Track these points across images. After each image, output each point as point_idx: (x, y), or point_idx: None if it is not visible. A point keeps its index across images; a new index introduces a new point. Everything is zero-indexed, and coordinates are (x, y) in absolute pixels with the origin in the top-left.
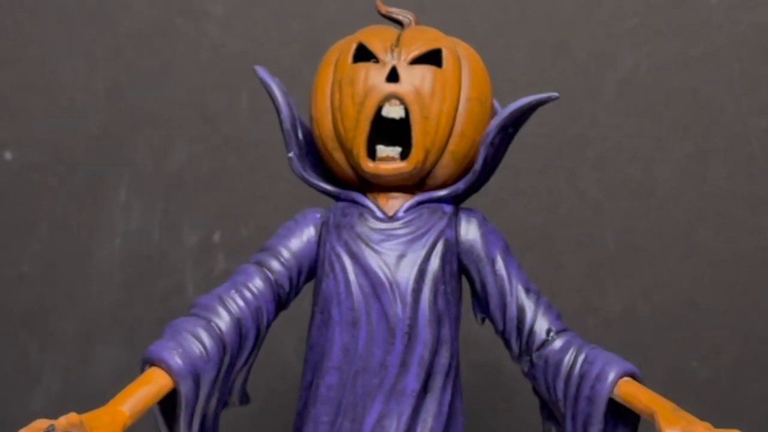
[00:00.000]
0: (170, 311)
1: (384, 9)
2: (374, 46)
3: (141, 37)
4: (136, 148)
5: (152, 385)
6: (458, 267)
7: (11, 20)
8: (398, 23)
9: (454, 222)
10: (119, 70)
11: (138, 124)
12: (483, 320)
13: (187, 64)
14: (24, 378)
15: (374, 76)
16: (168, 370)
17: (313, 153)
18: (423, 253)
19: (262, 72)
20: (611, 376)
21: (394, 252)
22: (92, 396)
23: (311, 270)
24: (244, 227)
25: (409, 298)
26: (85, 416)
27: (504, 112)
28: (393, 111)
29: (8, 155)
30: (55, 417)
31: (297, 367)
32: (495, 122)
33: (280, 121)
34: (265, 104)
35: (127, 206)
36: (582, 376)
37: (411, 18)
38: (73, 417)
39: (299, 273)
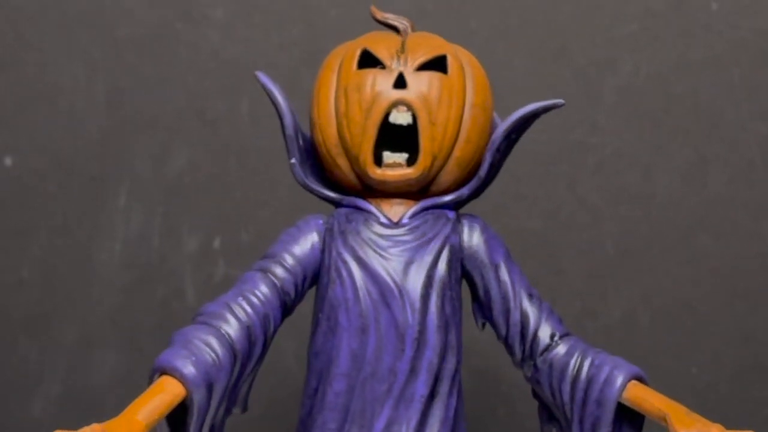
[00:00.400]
0: (170, 316)
1: (379, 15)
2: (380, 53)
3: (141, 42)
4: (136, 154)
5: (165, 394)
6: (461, 273)
7: (11, 25)
8: (394, 29)
9: (457, 228)
10: (119, 75)
11: (138, 129)
12: (483, 325)
13: (187, 69)
14: (24, 382)
15: (381, 82)
16: (181, 378)
17: (312, 159)
18: (430, 259)
19: (263, 78)
20: (620, 380)
21: (401, 258)
22: (92, 400)
23: (315, 276)
24: (245, 233)
25: (418, 305)
26: (104, 425)
27: (511, 118)
28: (401, 117)
29: (8, 161)
30: (56, 422)
31: (297, 373)
32: (502, 128)
33: (283, 128)
34: (266, 110)
35: (127, 211)
36: (590, 380)
37: (407, 24)
38: (96, 428)
39: (304, 279)
